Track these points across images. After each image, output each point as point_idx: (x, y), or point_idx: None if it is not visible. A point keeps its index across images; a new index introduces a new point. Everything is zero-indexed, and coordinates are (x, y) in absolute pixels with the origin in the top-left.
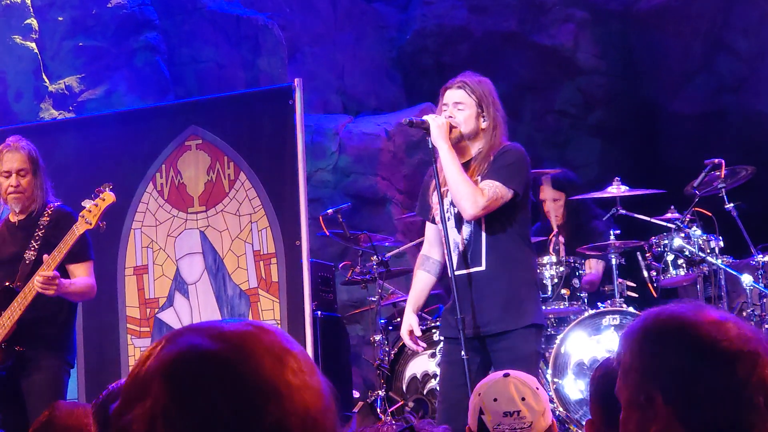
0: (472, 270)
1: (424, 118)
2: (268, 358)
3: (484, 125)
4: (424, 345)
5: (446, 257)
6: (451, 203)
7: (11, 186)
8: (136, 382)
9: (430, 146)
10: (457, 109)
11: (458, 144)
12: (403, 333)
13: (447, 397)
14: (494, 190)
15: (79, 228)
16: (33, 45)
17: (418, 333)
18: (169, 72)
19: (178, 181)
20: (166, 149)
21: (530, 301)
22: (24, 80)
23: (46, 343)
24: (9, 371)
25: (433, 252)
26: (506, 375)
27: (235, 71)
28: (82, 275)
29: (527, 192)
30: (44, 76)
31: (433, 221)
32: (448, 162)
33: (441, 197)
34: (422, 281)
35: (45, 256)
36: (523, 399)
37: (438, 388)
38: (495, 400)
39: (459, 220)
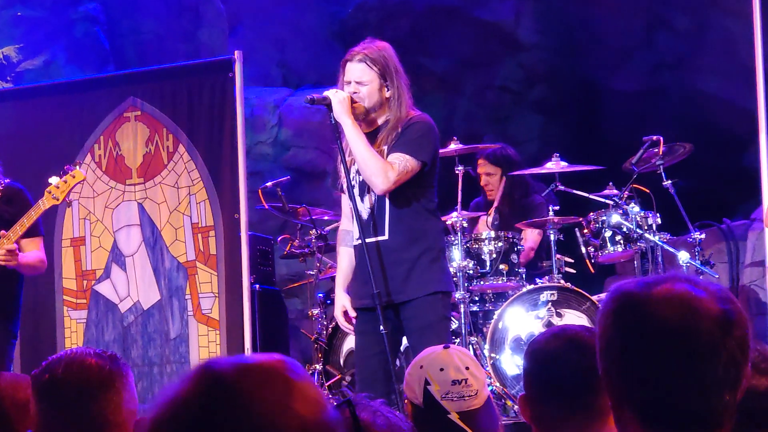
0: (374, 239)
1: (325, 94)
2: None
3: (388, 94)
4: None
5: (352, 226)
6: (357, 172)
7: None
8: None
9: (333, 122)
10: (361, 85)
11: (365, 118)
12: (337, 314)
13: (363, 368)
14: (404, 164)
15: (45, 203)
16: None
17: (352, 313)
18: (108, 43)
19: (117, 153)
20: (104, 120)
21: (434, 269)
22: None
23: None
24: None
25: (350, 225)
26: (446, 347)
27: (175, 43)
28: (33, 250)
29: (435, 162)
30: None
31: (342, 191)
32: (353, 138)
33: (347, 167)
34: (347, 258)
35: (3, 232)
36: (467, 368)
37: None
38: (441, 369)
39: (363, 190)
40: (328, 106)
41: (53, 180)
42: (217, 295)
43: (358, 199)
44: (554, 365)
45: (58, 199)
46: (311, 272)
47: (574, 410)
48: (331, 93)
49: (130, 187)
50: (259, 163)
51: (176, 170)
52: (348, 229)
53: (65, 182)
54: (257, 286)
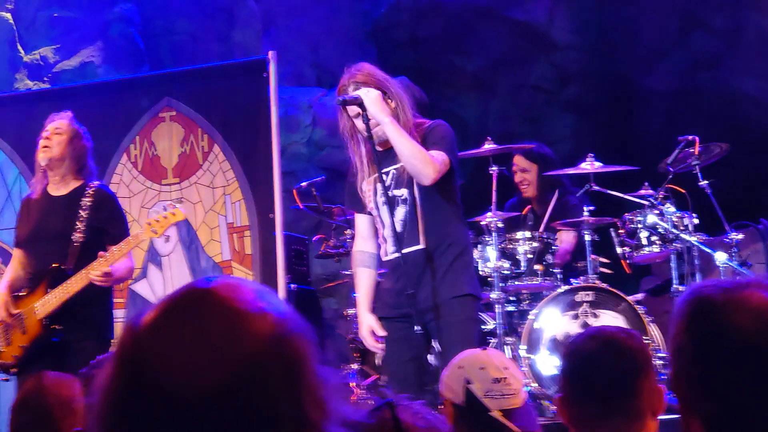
0: (410, 249)
1: (356, 93)
2: None
3: (393, 104)
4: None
5: (382, 240)
6: (385, 188)
7: (43, 138)
8: None
9: (365, 122)
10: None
11: (381, 136)
12: (364, 334)
13: (395, 375)
14: (443, 158)
15: (143, 234)
16: (8, 15)
17: (380, 333)
18: (143, 44)
19: (152, 153)
20: (140, 121)
21: (465, 273)
22: None
23: (87, 325)
24: (49, 349)
25: (367, 245)
26: (484, 349)
27: (209, 43)
28: (122, 259)
29: (457, 165)
30: (19, 47)
31: (368, 212)
32: (394, 133)
33: (377, 180)
34: (366, 278)
35: (101, 253)
36: (506, 368)
37: (384, 366)
38: (482, 368)
39: (393, 203)
40: (361, 105)
41: (153, 213)
42: None
43: (388, 214)
44: (591, 367)
45: (156, 233)
46: (346, 272)
47: (610, 412)
48: (362, 92)
49: (165, 187)
50: (293, 163)
51: (211, 170)
52: (365, 250)
53: (165, 218)
54: (293, 285)
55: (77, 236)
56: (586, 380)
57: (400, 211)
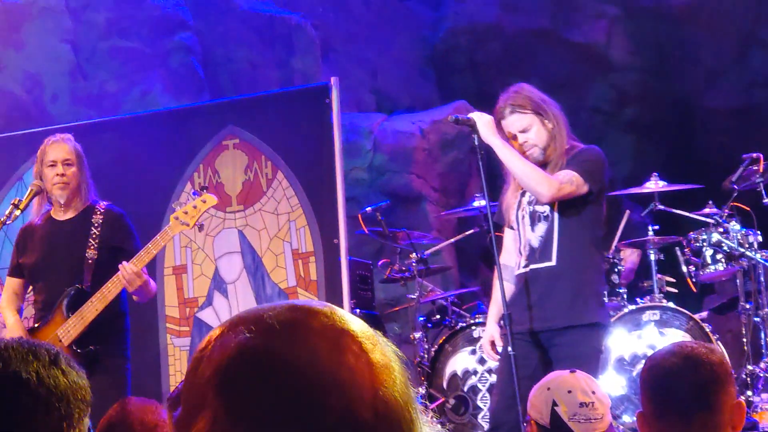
0: (541, 265)
1: (470, 115)
2: (322, 344)
3: (550, 126)
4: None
5: (518, 253)
6: (528, 202)
7: (57, 175)
8: (192, 391)
9: (476, 143)
10: (525, 132)
11: (546, 158)
12: (484, 342)
13: (503, 389)
14: (569, 177)
15: (173, 229)
16: (68, 47)
17: (499, 344)
18: (203, 72)
19: (216, 181)
20: (203, 149)
21: (596, 300)
22: (60, 82)
23: (110, 343)
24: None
25: (510, 260)
26: (572, 371)
27: (268, 71)
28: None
29: (602, 193)
30: (80, 78)
31: (510, 226)
32: (507, 156)
33: (522, 194)
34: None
35: (123, 264)
36: (593, 392)
37: (496, 379)
38: (569, 392)
39: (533, 219)
40: (472, 127)
41: (180, 205)
42: None
43: (528, 228)
44: (671, 381)
45: (188, 225)
46: (412, 296)
47: (690, 426)
48: (476, 115)
49: (230, 214)
50: (355, 189)
51: (275, 197)
52: (506, 264)
53: (195, 207)
54: (357, 310)
55: (91, 253)
56: (666, 395)
57: (541, 228)
